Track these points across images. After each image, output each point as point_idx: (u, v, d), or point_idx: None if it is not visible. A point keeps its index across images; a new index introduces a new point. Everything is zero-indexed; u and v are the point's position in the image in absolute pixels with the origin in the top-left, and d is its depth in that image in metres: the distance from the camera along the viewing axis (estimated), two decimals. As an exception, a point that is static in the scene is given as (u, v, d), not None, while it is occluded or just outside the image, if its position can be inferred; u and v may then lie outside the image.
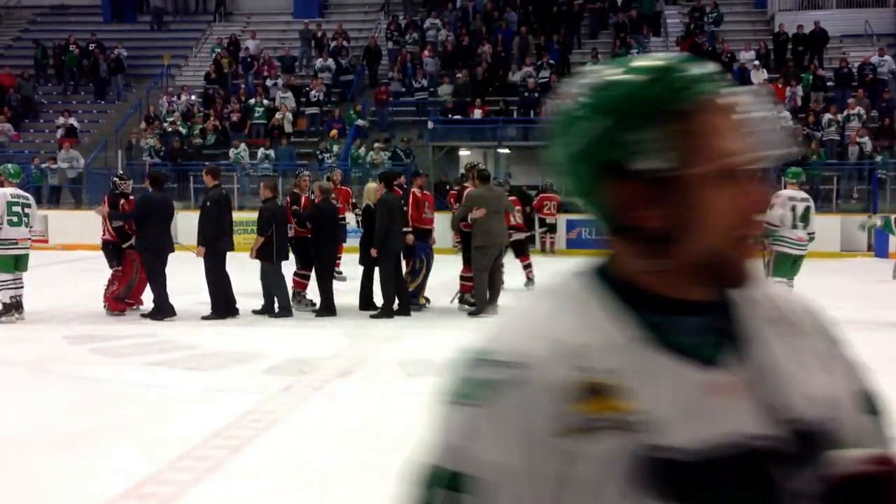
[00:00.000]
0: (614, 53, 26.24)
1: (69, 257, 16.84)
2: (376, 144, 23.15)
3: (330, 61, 27.49)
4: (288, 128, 25.12)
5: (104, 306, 10.93)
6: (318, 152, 23.65)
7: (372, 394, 7.05)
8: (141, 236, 10.56)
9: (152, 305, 10.66)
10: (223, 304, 10.63)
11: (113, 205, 10.88)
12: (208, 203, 10.68)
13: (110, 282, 10.94)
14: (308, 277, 11.32)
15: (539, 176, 24.32)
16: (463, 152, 25.57)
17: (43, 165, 23.45)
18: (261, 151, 23.94)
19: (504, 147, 24.88)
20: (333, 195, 11.66)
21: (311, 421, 6.15)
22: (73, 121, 26.29)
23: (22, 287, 10.52)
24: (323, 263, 10.87)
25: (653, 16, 28.48)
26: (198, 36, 31.80)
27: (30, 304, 11.21)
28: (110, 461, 5.20)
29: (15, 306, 10.40)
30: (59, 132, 25.93)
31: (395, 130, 25.22)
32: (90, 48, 29.28)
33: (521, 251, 13.60)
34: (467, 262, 11.32)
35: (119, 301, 10.92)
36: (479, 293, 10.93)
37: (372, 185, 11.98)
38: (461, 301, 11.56)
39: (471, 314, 10.87)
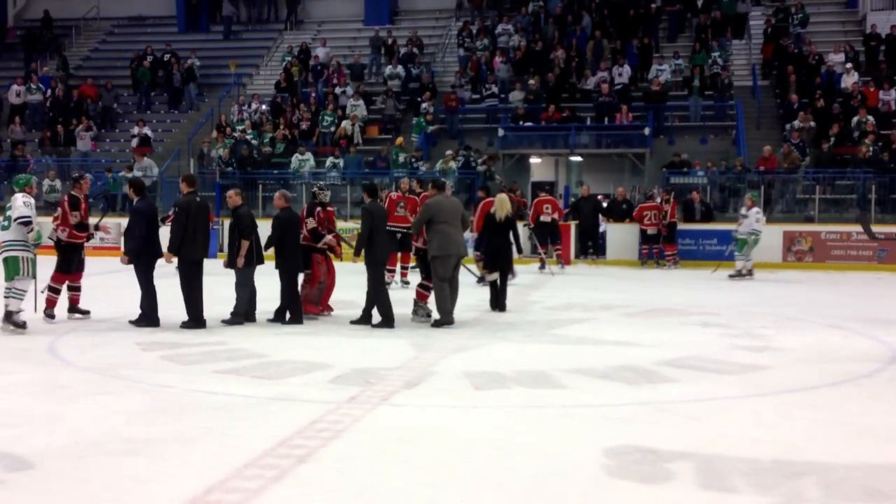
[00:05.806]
0: (694, 57, 25.74)
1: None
2: (448, 152, 22.96)
3: (399, 68, 27.47)
4: (357, 136, 25.14)
5: None
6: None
7: (438, 405, 6.93)
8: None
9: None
10: (199, 313, 10.46)
11: (309, 212, 11.34)
12: (177, 209, 10.56)
13: (302, 285, 11.07)
14: (429, 289, 11.05)
15: (611, 184, 23.93)
16: (534, 160, 25.24)
17: (119, 174, 23.83)
18: (329, 160, 23.78)
19: (576, 154, 24.52)
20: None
21: (378, 431, 6.06)
22: (147, 130, 26.61)
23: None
24: (288, 271, 10.80)
25: (735, 17, 27.61)
26: (269, 44, 32.14)
27: (102, 311, 11.42)
28: (178, 467, 5.19)
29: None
30: (134, 141, 26.27)
31: (465, 138, 24.92)
32: (165, 58, 29.75)
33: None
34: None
35: (313, 304, 11.18)
36: (441, 304, 10.61)
37: (503, 196, 12.30)
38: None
39: (434, 325, 10.63)
